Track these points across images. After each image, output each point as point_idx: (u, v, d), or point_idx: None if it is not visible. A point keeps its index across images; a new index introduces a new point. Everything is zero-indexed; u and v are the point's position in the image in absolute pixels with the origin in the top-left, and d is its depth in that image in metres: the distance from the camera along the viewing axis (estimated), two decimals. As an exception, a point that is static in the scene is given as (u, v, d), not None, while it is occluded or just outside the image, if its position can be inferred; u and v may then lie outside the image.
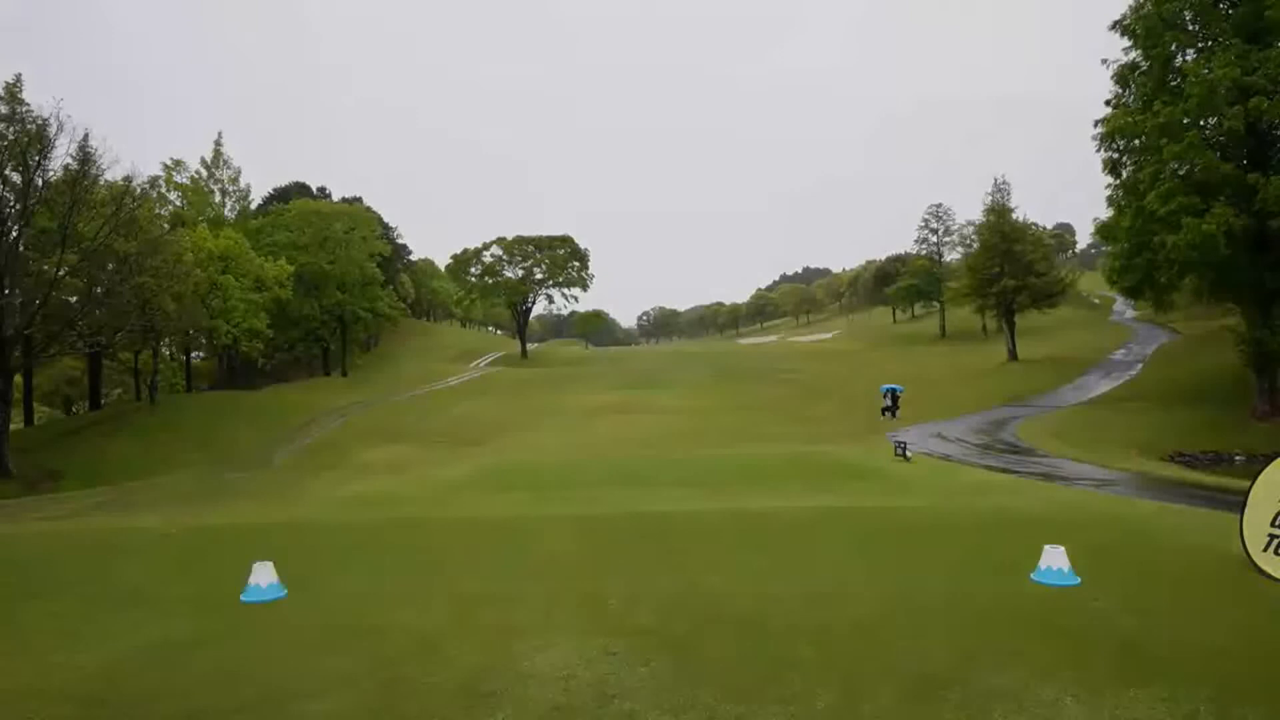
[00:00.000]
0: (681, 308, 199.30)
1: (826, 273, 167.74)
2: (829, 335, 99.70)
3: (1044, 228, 69.76)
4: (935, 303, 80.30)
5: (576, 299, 78.53)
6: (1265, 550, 5.80)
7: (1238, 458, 23.70)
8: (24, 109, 31.73)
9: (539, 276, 75.14)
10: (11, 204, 31.81)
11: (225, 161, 61.99)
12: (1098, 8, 33.67)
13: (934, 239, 77.45)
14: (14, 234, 32.13)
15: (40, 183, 32.35)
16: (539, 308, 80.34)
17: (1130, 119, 29.15)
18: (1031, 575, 5.82)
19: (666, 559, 6.97)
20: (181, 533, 10.56)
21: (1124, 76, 30.97)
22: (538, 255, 74.26)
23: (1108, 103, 31.94)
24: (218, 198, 61.34)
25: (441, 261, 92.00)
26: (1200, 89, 25.91)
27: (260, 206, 69.94)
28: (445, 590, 6.12)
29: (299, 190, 76.41)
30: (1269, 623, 4.71)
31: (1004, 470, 18.48)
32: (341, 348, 66.76)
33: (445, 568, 7.09)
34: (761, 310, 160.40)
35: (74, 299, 35.88)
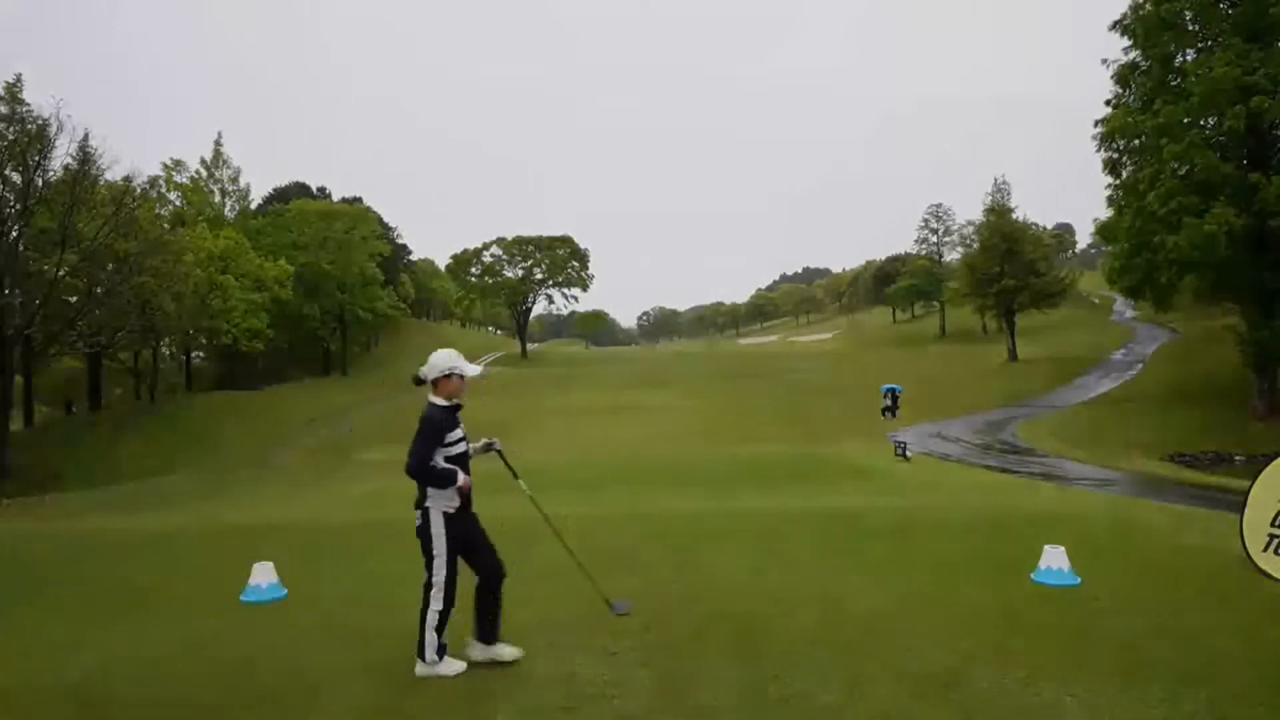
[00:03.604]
0: (681, 308, 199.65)
1: (826, 273, 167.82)
2: (829, 335, 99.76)
3: (1044, 228, 69.81)
4: (935, 303, 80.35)
5: (576, 299, 78.58)
6: (1265, 550, 5.79)
7: (1238, 458, 23.69)
8: (24, 109, 31.78)
9: (539, 276, 75.15)
10: (11, 204, 31.83)
11: (225, 161, 62.11)
12: (1098, 8, 33.71)
13: (934, 239, 77.62)
14: (14, 234, 32.14)
15: (40, 183, 32.37)
16: (539, 308, 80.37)
17: (1130, 119, 29.17)
18: (1031, 575, 5.81)
19: (667, 558, 6.97)
20: (182, 532, 10.57)
21: (1124, 76, 30.99)
22: (538, 255, 74.26)
23: (1108, 103, 31.97)
24: (218, 198, 61.41)
25: (441, 261, 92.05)
26: (1204, 87, 25.90)
27: (260, 207, 69.95)
28: (445, 590, 6.12)
29: (299, 190, 76.42)
30: (1269, 623, 4.71)
31: (1004, 470, 18.48)
32: (342, 348, 66.75)
33: (445, 568, 7.08)
34: (761, 310, 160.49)
35: (74, 299, 35.90)
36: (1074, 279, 58.25)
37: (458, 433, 4.12)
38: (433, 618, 4.05)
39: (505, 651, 4.18)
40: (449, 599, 4.07)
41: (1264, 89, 25.11)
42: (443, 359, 4.14)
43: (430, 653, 4.04)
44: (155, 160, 76.94)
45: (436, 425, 4.03)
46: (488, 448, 4.38)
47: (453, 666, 4.06)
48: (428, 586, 4.07)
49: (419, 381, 4.17)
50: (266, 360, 61.05)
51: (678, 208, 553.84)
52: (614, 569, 6.41)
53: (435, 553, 4.06)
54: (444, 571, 4.06)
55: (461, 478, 4.07)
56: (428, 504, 4.06)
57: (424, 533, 4.08)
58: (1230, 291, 30.04)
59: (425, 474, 3.99)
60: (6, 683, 4.24)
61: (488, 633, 4.17)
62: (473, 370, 4.20)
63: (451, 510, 4.07)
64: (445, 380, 4.11)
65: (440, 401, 4.11)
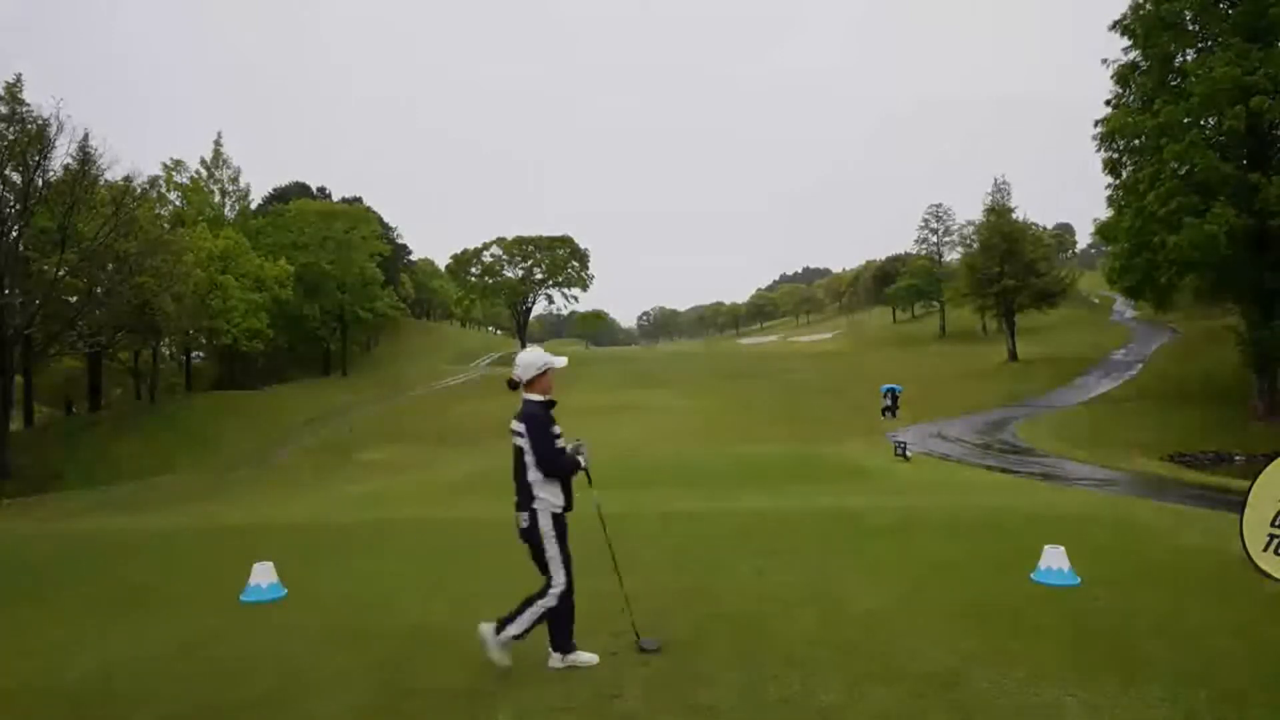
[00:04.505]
0: (681, 308, 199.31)
1: (826, 273, 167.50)
2: (829, 335, 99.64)
3: (1044, 228, 69.74)
4: (935, 303, 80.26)
5: (576, 299, 78.47)
6: (1265, 550, 5.79)
7: (1238, 458, 23.67)
8: (24, 109, 31.80)
9: (539, 277, 75.05)
10: (11, 204, 31.84)
11: (225, 161, 62.11)
12: (1098, 8, 33.71)
13: (934, 239, 77.50)
14: (14, 234, 32.15)
15: (40, 183, 32.38)
16: (539, 308, 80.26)
17: (1130, 119, 29.17)
18: (1031, 575, 5.81)
19: (666, 558, 6.97)
20: (182, 532, 10.57)
21: (1124, 76, 30.97)
22: (538, 255, 74.16)
23: (1108, 103, 31.95)
24: (218, 198, 61.41)
25: (441, 261, 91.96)
26: (1204, 87, 25.89)
27: (260, 207, 69.96)
28: (445, 590, 6.13)
29: (299, 190, 76.45)
30: (1269, 623, 4.71)
31: (1004, 470, 18.49)
32: (342, 348, 66.73)
33: (446, 568, 7.10)
34: (761, 310, 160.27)
35: (74, 299, 35.91)
36: (1074, 279, 58.19)
37: (557, 427, 4.15)
38: (538, 610, 4.01)
39: (584, 658, 4.18)
40: (566, 600, 4.04)
41: (1264, 89, 25.09)
42: (535, 357, 4.18)
43: (514, 631, 4.00)
44: (155, 160, 76.99)
45: (546, 421, 4.07)
46: (575, 450, 4.34)
47: (504, 659, 4.04)
48: (549, 585, 4.03)
49: (515, 385, 4.17)
50: (266, 360, 61.07)
51: (678, 208, 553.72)
52: (613, 568, 6.41)
53: (550, 555, 4.03)
54: (564, 573, 4.04)
55: (582, 458, 4.16)
56: (535, 505, 4.02)
57: (532, 535, 4.04)
58: (1230, 291, 30.04)
59: (561, 467, 4.04)
60: (6, 683, 4.24)
61: (563, 643, 4.17)
62: (561, 362, 4.26)
63: (559, 510, 4.08)
64: (540, 377, 4.14)
65: (537, 398, 4.13)
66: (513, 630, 4.01)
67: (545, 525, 4.02)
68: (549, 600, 4.02)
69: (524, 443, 4.02)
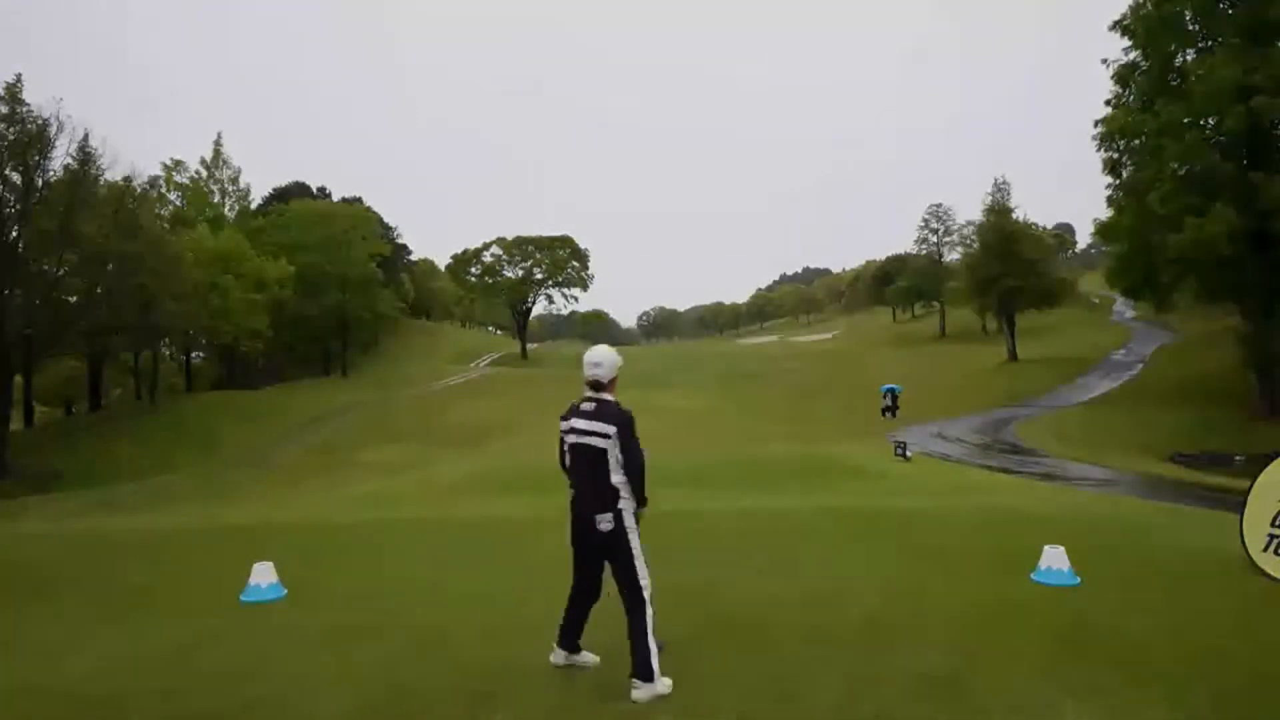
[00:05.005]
0: (681, 308, 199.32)
1: (826, 273, 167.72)
2: (829, 335, 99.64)
3: (1044, 228, 69.66)
4: (935, 303, 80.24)
5: (576, 299, 78.52)
6: (1265, 550, 5.79)
7: (1238, 458, 23.64)
8: (24, 109, 31.79)
9: (539, 277, 75.11)
10: (11, 204, 31.84)
11: (225, 161, 62.12)
12: (1098, 8, 33.66)
13: (934, 239, 77.36)
14: (14, 234, 32.16)
15: (40, 183, 32.39)
16: (539, 308, 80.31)
17: (1130, 119, 29.19)
18: (1031, 575, 5.81)
19: (666, 559, 6.94)
20: (182, 532, 10.57)
21: (1124, 76, 30.98)
22: (538, 255, 74.24)
23: (1108, 103, 31.96)
24: (218, 198, 61.42)
25: (441, 261, 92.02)
26: (1204, 87, 25.90)
27: (260, 206, 69.93)
28: (445, 590, 6.13)
29: (299, 190, 76.39)
30: (1269, 623, 4.71)
31: (1004, 470, 18.47)
32: (342, 348, 66.68)
33: (446, 568, 7.10)
34: (761, 310, 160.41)
35: (74, 299, 35.91)
36: (1074, 279, 58.11)
37: None
38: (647, 623, 3.81)
39: (589, 658, 4.18)
40: (653, 599, 3.93)
41: (1264, 89, 25.08)
42: (615, 356, 4.05)
43: (655, 662, 3.76)
44: (155, 160, 76.90)
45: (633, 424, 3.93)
46: None
47: (666, 683, 3.82)
48: (634, 590, 3.85)
49: (598, 385, 4.01)
50: (266, 360, 61.03)
51: (678, 208, 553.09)
52: (614, 569, 6.40)
53: (636, 554, 3.91)
54: (648, 575, 3.92)
55: None
56: (620, 506, 3.89)
57: (617, 537, 3.87)
58: (1230, 291, 30.04)
59: (644, 471, 3.94)
60: (6, 683, 4.24)
61: (570, 642, 4.16)
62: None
63: (634, 509, 3.98)
64: (616, 378, 4.05)
65: (614, 399, 4.02)
66: (655, 662, 3.79)
67: (630, 524, 3.93)
68: (646, 606, 3.84)
69: (608, 445, 3.87)
